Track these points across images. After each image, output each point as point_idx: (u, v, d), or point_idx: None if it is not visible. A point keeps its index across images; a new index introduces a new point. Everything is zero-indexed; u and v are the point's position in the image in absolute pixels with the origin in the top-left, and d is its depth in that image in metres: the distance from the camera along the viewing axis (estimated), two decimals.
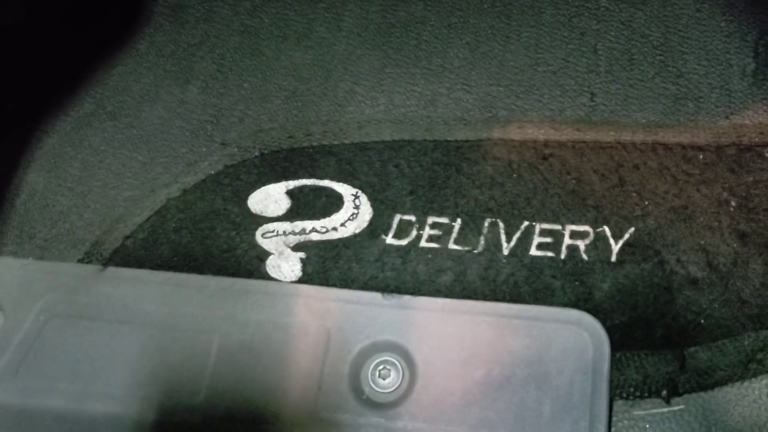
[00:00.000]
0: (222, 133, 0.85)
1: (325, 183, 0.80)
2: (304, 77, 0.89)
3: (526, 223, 0.75)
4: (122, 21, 0.96)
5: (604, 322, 0.66)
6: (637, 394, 0.66)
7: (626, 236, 0.73)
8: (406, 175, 0.80)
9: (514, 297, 0.72)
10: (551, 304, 0.70)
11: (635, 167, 0.76)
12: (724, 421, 0.64)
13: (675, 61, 0.83)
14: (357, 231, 0.77)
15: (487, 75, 0.86)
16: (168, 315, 0.70)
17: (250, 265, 0.76)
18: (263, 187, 0.80)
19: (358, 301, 0.69)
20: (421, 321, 0.68)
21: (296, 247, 0.76)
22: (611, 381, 0.64)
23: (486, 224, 0.76)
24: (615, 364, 0.66)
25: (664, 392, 0.66)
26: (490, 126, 0.81)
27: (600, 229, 0.74)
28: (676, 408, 0.65)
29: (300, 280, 0.75)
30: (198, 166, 0.83)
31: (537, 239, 0.74)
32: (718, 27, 0.84)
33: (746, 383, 0.64)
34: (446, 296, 0.71)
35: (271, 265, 0.76)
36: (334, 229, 0.77)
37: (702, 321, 0.68)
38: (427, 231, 0.76)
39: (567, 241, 0.74)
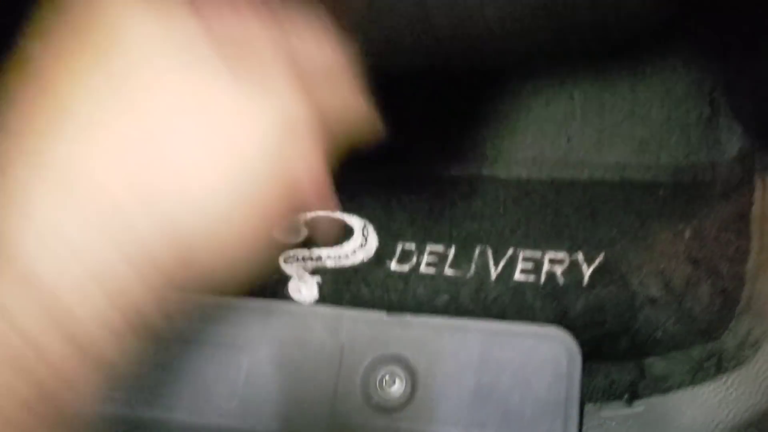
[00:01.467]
0: None
1: (337, 215, 0.90)
2: None
3: (511, 250, 0.83)
4: None
5: (577, 337, 0.73)
6: (605, 398, 0.74)
7: (597, 262, 0.82)
8: (407, 207, 0.89)
9: (501, 315, 0.80)
10: (532, 321, 0.78)
11: (605, 202, 0.85)
12: (678, 420, 0.72)
13: (641, 108, 0.92)
14: (365, 259, 0.86)
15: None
16: (202, 332, 0.79)
17: (274, 287, 0.85)
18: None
19: (367, 319, 0.78)
20: (421, 336, 0.76)
21: (314, 272, 0.86)
22: (582, 387, 0.72)
23: (476, 252, 0.84)
24: (586, 372, 0.73)
25: (626, 396, 0.74)
26: (480, 165, 0.90)
27: (574, 256, 0.82)
28: (637, 410, 0.73)
29: (317, 302, 0.84)
30: None
31: (520, 265, 0.83)
32: (680, 78, 0.93)
33: (696, 388, 0.73)
34: (443, 315, 0.78)
35: (292, 288, 0.85)
36: (346, 256, 0.86)
37: (659, 335, 0.77)
38: (426, 258, 0.85)
39: (546, 267, 0.82)
